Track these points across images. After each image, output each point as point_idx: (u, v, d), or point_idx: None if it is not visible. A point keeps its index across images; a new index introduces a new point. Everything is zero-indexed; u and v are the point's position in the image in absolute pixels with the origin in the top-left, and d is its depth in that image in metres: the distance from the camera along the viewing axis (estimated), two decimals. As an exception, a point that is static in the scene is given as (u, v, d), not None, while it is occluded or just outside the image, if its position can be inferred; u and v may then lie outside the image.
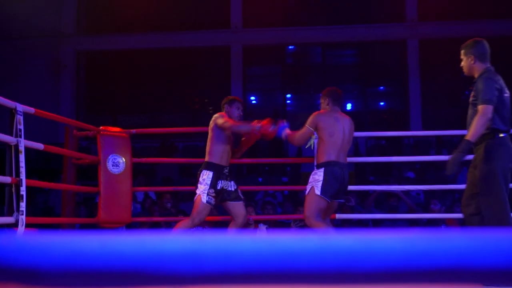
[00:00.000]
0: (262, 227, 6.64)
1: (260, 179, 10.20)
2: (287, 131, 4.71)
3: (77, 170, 5.89)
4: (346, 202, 4.67)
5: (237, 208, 4.98)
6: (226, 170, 4.92)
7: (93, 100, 13.44)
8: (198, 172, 4.90)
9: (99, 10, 12.87)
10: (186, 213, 7.71)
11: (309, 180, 4.70)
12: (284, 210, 7.83)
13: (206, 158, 4.92)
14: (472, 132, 3.57)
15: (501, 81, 3.70)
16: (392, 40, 13.06)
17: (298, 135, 4.70)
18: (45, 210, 8.77)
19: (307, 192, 4.69)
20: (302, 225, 6.18)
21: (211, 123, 4.95)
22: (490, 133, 3.60)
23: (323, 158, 4.61)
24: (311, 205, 4.59)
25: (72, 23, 13.12)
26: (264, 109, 13.51)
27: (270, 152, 10.61)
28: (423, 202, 7.71)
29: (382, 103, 14.08)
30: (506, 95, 3.67)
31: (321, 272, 0.81)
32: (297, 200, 7.74)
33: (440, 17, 12.54)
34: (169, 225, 6.72)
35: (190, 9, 13.16)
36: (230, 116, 4.95)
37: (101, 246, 0.83)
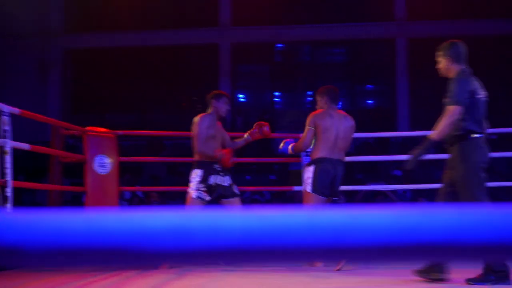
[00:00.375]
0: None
1: (248, 177, 10.21)
2: (291, 144, 4.80)
3: (66, 167, 5.87)
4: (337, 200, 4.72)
5: (232, 204, 5.02)
6: (217, 166, 4.94)
7: (80, 99, 13.37)
8: (191, 173, 4.99)
9: (86, 8, 12.80)
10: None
11: (303, 179, 4.78)
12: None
13: (195, 158, 5.02)
14: (437, 131, 3.63)
15: (476, 83, 3.74)
16: (380, 38, 13.09)
17: (302, 140, 4.78)
18: (32, 209, 8.72)
19: (303, 191, 4.78)
20: None
21: (193, 126, 5.03)
22: (463, 134, 3.65)
23: (315, 155, 4.71)
24: (306, 204, 4.63)
25: (59, 21, 13.06)
26: (253, 107, 13.51)
27: (258, 150, 10.61)
28: (410, 200, 7.77)
29: (370, 101, 14.11)
30: (479, 96, 3.70)
31: (310, 248, 0.81)
32: (284, 198, 7.76)
33: (429, 16, 12.58)
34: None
35: (179, 7, 13.12)
36: (217, 111, 5.04)
37: (85, 223, 0.82)
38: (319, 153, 4.66)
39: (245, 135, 5.28)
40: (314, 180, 4.60)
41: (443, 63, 3.80)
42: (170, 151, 11.24)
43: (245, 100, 14.07)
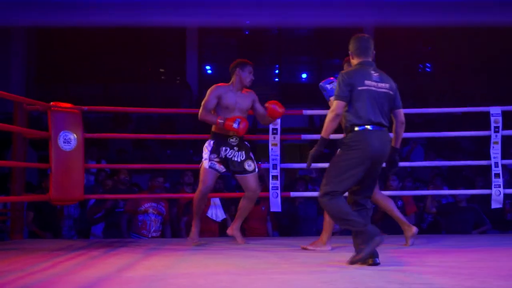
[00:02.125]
0: (216, 202, 6.64)
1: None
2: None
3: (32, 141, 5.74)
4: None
5: (244, 181, 5.02)
6: (232, 140, 4.95)
7: (44, 69, 13.11)
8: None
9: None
10: (140, 186, 7.67)
11: None
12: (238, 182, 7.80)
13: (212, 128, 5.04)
14: (323, 127, 3.71)
15: (366, 73, 3.71)
16: (348, 26, 13.04)
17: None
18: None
19: None
20: None
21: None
22: (348, 127, 3.71)
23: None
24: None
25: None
26: (220, 80, 13.38)
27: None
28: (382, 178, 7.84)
29: (337, 76, 14.11)
30: (361, 88, 3.67)
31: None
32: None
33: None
34: (123, 201, 6.66)
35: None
36: (241, 80, 4.98)
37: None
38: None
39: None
40: None
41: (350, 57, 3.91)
42: (136, 123, 11.14)
43: (212, 72, 13.97)
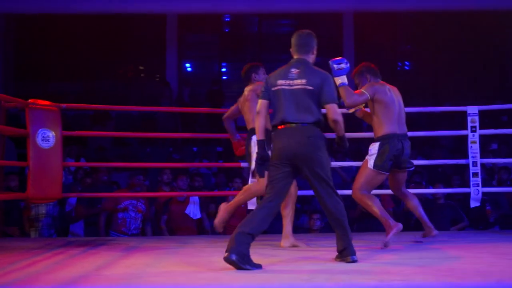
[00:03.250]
0: (195, 200, 6.63)
1: (195, 149, 10.14)
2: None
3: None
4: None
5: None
6: None
7: (23, 67, 12.94)
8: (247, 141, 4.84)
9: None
10: (119, 184, 7.62)
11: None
12: (218, 180, 7.80)
13: (249, 126, 4.83)
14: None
15: (284, 72, 3.76)
16: (328, 11, 13.08)
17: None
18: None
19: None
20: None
21: (249, 94, 4.84)
22: (273, 127, 3.77)
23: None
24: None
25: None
26: (201, 78, 13.37)
27: (207, 123, 10.53)
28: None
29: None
30: (274, 88, 3.73)
31: None
32: (230, 170, 7.74)
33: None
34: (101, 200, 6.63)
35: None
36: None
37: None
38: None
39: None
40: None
41: None
42: (117, 121, 11.05)
43: (192, 70, 13.92)
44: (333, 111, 3.70)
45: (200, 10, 12.37)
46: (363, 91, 4.68)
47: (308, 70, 3.76)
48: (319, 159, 3.65)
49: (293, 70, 3.75)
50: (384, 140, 4.63)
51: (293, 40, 3.92)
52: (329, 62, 4.55)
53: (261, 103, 3.79)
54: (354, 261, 3.58)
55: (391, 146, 4.61)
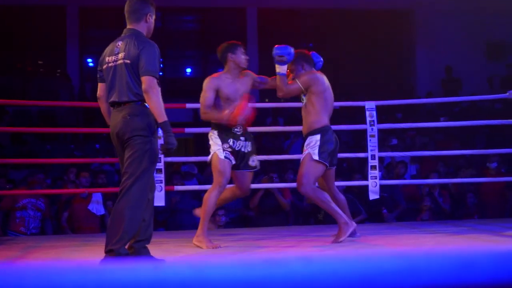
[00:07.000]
0: (98, 199, 6.50)
1: (97, 146, 9.93)
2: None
3: None
4: None
5: (241, 177, 4.48)
6: (236, 129, 4.36)
7: None
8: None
9: None
10: (15, 183, 7.34)
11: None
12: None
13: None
14: None
15: (112, 48, 3.52)
16: (232, 7, 13.16)
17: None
18: None
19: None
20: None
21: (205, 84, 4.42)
22: None
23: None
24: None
25: None
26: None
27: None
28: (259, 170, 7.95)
29: (221, 70, 14.19)
30: (101, 68, 3.51)
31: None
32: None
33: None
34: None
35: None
36: (237, 63, 4.42)
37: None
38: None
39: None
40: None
41: None
42: (13, 118, 10.65)
43: (94, 65, 13.62)
44: (147, 84, 3.26)
45: (101, 2, 12.12)
46: (297, 81, 4.46)
47: (131, 41, 3.36)
48: (132, 142, 3.30)
49: (119, 43, 3.41)
50: (324, 131, 4.40)
51: (125, 7, 3.54)
52: (273, 48, 4.39)
53: (99, 87, 3.51)
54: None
55: (332, 138, 4.42)
